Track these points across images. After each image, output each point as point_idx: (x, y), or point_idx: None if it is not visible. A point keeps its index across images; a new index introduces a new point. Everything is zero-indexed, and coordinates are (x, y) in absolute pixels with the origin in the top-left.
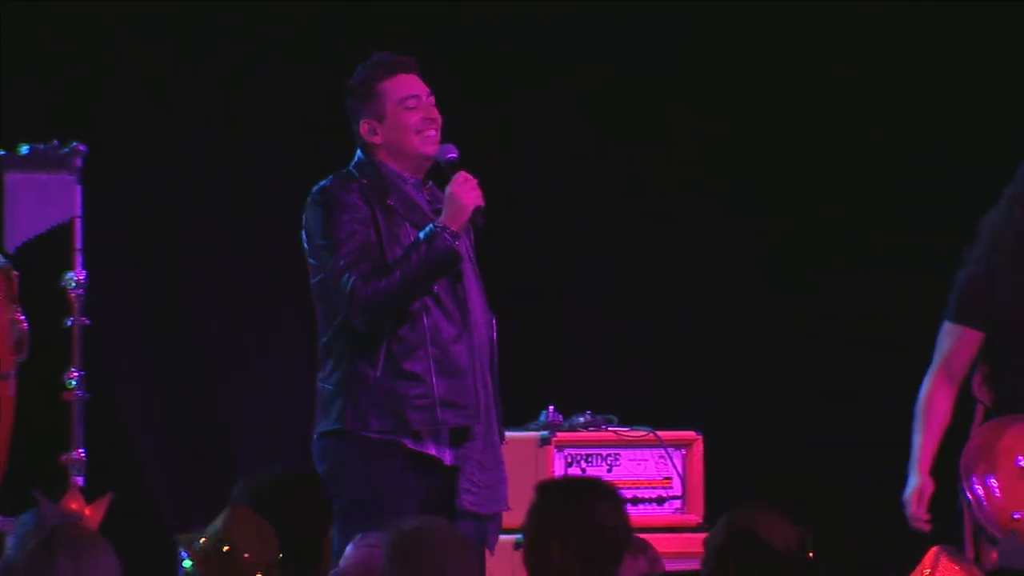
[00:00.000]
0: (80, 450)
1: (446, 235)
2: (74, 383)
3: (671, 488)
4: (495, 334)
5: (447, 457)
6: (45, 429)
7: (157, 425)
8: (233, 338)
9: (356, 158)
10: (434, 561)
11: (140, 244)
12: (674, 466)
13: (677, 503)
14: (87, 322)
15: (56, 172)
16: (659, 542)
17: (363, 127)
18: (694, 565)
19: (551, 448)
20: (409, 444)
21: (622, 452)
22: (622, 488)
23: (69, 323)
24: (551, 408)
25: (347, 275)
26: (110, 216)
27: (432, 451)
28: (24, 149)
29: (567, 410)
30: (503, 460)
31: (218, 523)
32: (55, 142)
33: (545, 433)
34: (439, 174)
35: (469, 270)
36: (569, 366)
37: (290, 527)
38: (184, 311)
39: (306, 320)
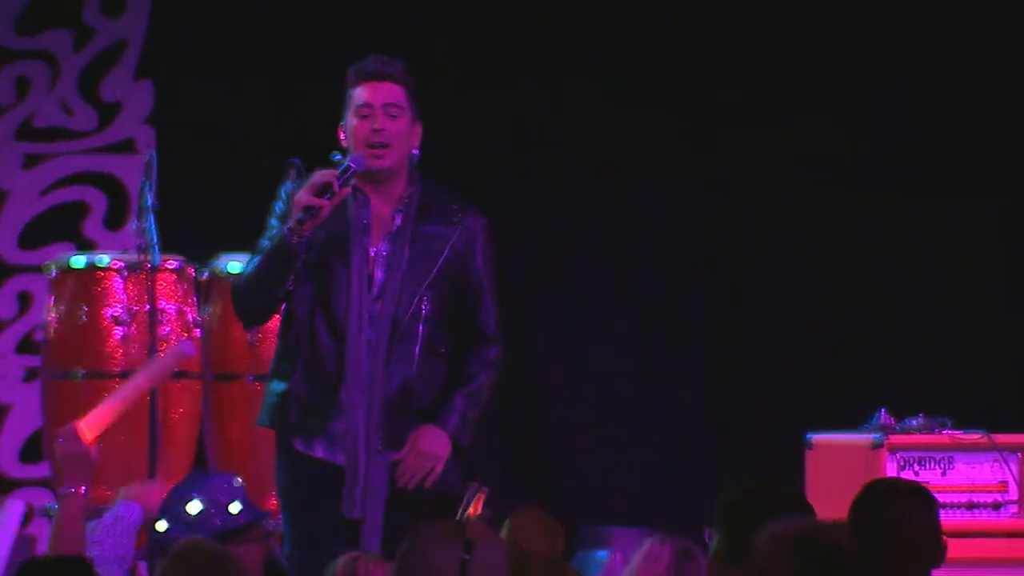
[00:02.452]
0: None
1: (285, 230)
2: None
3: (1007, 493)
4: (416, 341)
5: (339, 458)
6: None
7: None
8: (565, 338)
9: None
10: None
11: None
12: (1010, 470)
13: (1013, 508)
14: None
15: None
16: (994, 548)
17: (339, 132)
18: None
19: (884, 451)
20: (299, 447)
21: (956, 456)
22: (956, 493)
23: None
24: (883, 410)
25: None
26: None
27: (320, 454)
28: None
29: (900, 412)
30: (385, 468)
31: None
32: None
33: (878, 436)
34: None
35: (361, 273)
36: (902, 368)
37: None
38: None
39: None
